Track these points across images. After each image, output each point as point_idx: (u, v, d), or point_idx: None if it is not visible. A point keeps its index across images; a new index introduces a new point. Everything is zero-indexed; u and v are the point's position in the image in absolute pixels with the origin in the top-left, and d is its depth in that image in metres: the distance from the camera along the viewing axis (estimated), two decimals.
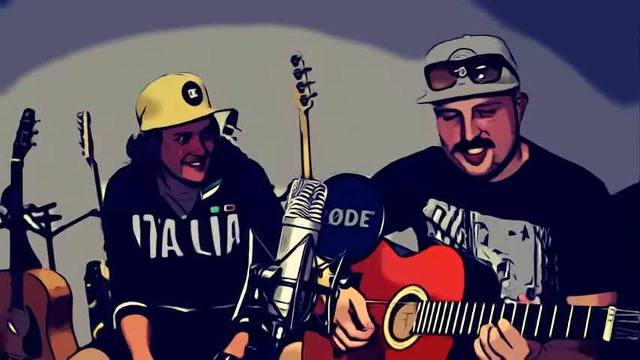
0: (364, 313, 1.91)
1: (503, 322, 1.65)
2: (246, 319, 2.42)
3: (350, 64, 3.86)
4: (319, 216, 1.50)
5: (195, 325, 2.56)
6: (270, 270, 1.46)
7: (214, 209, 2.54)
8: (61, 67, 3.94)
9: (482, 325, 1.70)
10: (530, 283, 1.95)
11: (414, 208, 2.11)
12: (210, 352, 2.45)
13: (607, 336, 1.51)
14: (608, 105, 3.94)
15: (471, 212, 2.01)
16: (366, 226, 1.63)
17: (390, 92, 3.61)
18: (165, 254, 2.55)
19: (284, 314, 1.46)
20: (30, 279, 3.16)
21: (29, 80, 3.96)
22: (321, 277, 1.53)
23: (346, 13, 3.86)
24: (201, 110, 2.39)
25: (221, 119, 3.21)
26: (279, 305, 1.46)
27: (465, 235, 2.02)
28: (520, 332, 1.64)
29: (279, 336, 1.46)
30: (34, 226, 3.43)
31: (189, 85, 2.40)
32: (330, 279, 1.52)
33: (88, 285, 3.30)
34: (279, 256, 1.49)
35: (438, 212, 2.07)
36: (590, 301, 1.79)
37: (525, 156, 1.99)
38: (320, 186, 1.53)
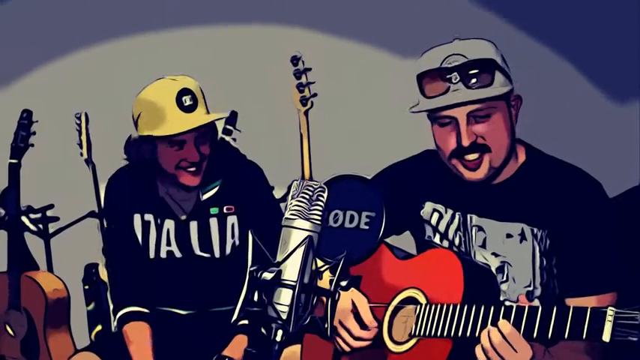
0: (367, 313, 1.91)
1: (504, 325, 1.64)
2: (245, 322, 2.40)
3: (350, 65, 3.86)
4: (319, 217, 1.49)
5: (193, 327, 2.55)
6: (269, 272, 1.46)
7: (214, 210, 2.53)
8: (59, 67, 3.94)
9: (481, 327, 1.69)
10: (529, 286, 1.94)
11: (411, 212, 2.11)
12: (208, 355, 2.44)
13: (606, 337, 1.50)
14: (607, 104, 3.94)
15: (468, 215, 2.01)
16: (367, 227, 1.63)
17: (390, 93, 3.60)
18: (163, 255, 2.54)
19: (284, 316, 1.45)
20: (27, 281, 3.15)
21: (27, 81, 3.96)
22: (321, 279, 1.52)
23: (346, 13, 3.87)
24: (196, 119, 2.38)
25: (220, 120, 3.20)
26: (279, 307, 1.46)
27: (463, 239, 2.02)
28: (519, 334, 1.63)
29: (278, 338, 1.45)
30: (32, 227, 3.43)
31: (184, 92, 2.39)
32: (330, 281, 1.51)
33: (86, 287, 3.31)
34: (279, 258, 1.48)
35: (435, 215, 2.07)
36: (589, 302, 1.79)
37: (522, 158, 1.99)
38: (320, 187, 1.52)
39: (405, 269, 1.96)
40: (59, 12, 3.89)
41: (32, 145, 3.21)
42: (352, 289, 1.74)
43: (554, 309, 1.60)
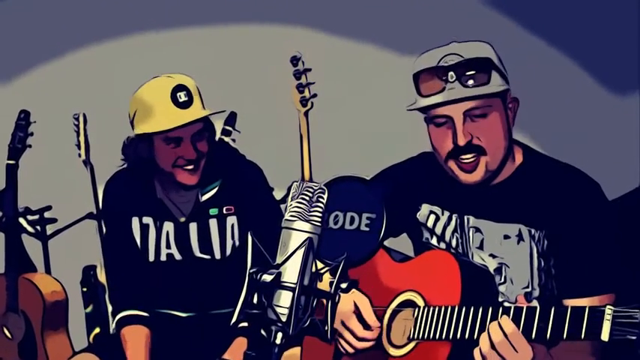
0: (370, 313, 1.90)
1: (506, 323, 1.63)
2: (245, 324, 2.42)
3: (350, 65, 3.87)
4: (319, 219, 1.49)
5: (193, 329, 2.55)
6: (269, 274, 1.45)
7: (213, 211, 2.53)
8: (57, 67, 3.95)
9: (480, 329, 1.68)
10: (527, 287, 1.93)
11: (407, 214, 2.10)
12: (208, 357, 2.44)
13: (605, 336, 1.50)
14: (607, 97, 3.94)
15: (465, 217, 2.00)
16: (367, 229, 1.63)
17: (390, 94, 3.59)
18: (163, 257, 2.54)
19: (283, 319, 1.44)
20: (25, 283, 3.15)
21: (24, 81, 3.96)
22: (321, 281, 1.51)
23: (347, 13, 3.87)
24: (191, 114, 2.37)
25: (219, 121, 3.20)
26: (279, 310, 1.45)
27: (460, 240, 2.01)
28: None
29: (278, 341, 1.45)
30: (30, 229, 3.43)
31: (179, 88, 2.38)
32: (331, 283, 1.50)
33: (84, 289, 3.30)
34: (279, 260, 1.47)
35: (432, 217, 2.06)
36: (587, 304, 1.77)
37: (519, 159, 1.98)
38: (320, 188, 1.51)
39: (402, 272, 1.95)
40: (58, 11, 3.89)
41: (30, 146, 3.21)
42: (353, 290, 1.73)
43: (552, 309, 1.59)
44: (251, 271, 1.45)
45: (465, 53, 1.85)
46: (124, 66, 3.77)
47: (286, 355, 2.09)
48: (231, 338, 2.45)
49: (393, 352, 1.88)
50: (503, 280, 1.95)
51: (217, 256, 2.52)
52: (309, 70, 3.14)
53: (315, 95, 3.14)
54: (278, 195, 2.84)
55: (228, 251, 2.52)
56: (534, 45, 3.81)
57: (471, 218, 1.99)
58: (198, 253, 2.52)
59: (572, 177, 1.92)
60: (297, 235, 1.47)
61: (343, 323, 1.91)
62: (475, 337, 1.69)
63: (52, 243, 3.52)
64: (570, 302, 1.84)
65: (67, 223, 3.52)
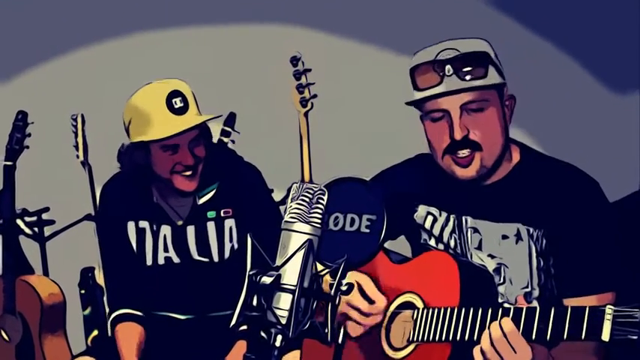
0: (373, 287, 1.88)
1: (506, 322, 1.63)
2: (244, 327, 2.41)
3: (350, 65, 3.87)
4: (319, 221, 1.48)
5: (192, 332, 2.55)
6: (268, 276, 1.44)
7: (211, 214, 2.52)
8: (55, 68, 3.95)
9: (479, 330, 1.68)
10: (527, 287, 1.93)
11: (405, 216, 2.10)
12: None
13: (606, 336, 1.49)
14: (607, 96, 3.93)
15: (463, 217, 2.00)
16: (368, 230, 1.61)
17: (391, 94, 3.58)
18: (161, 261, 2.54)
19: (283, 321, 1.43)
20: (23, 285, 3.14)
21: (22, 82, 3.96)
22: (321, 283, 1.50)
23: (347, 13, 3.88)
24: (187, 121, 2.36)
25: (219, 122, 3.19)
26: (279, 312, 1.44)
27: (458, 241, 2.01)
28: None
29: (278, 344, 1.44)
30: (27, 230, 3.44)
31: (174, 94, 2.37)
32: (331, 285, 1.50)
33: (82, 291, 3.31)
34: (278, 262, 1.46)
35: (430, 218, 2.06)
36: (588, 302, 1.77)
37: (516, 158, 1.98)
38: (320, 190, 1.51)
39: (401, 273, 1.95)
40: (56, 11, 3.90)
41: (27, 147, 3.20)
42: (352, 271, 1.72)
43: (553, 309, 1.59)
44: (250, 273, 1.45)
45: (462, 48, 1.86)
46: (123, 66, 3.77)
47: (286, 358, 2.10)
48: (230, 341, 2.44)
49: (392, 354, 1.87)
50: (502, 280, 1.95)
51: (215, 258, 2.51)
52: (309, 70, 3.14)
53: (315, 96, 3.15)
54: (277, 196, 2.84)
55: (227, 254, 2.51)
56: (534, 43, 3.81)
57: (469, 219, 1.98)
58: (196, 256, 2.52)
59: (571, 175, 1.92)
60: (296, 236, 1.46)
61: (348, 304, 1.89)
62: (475, 338, 1.68)
63: (50, 245, 3.52)
64: (570, 301, 1.84)
65: (64, 225, 3.53)
